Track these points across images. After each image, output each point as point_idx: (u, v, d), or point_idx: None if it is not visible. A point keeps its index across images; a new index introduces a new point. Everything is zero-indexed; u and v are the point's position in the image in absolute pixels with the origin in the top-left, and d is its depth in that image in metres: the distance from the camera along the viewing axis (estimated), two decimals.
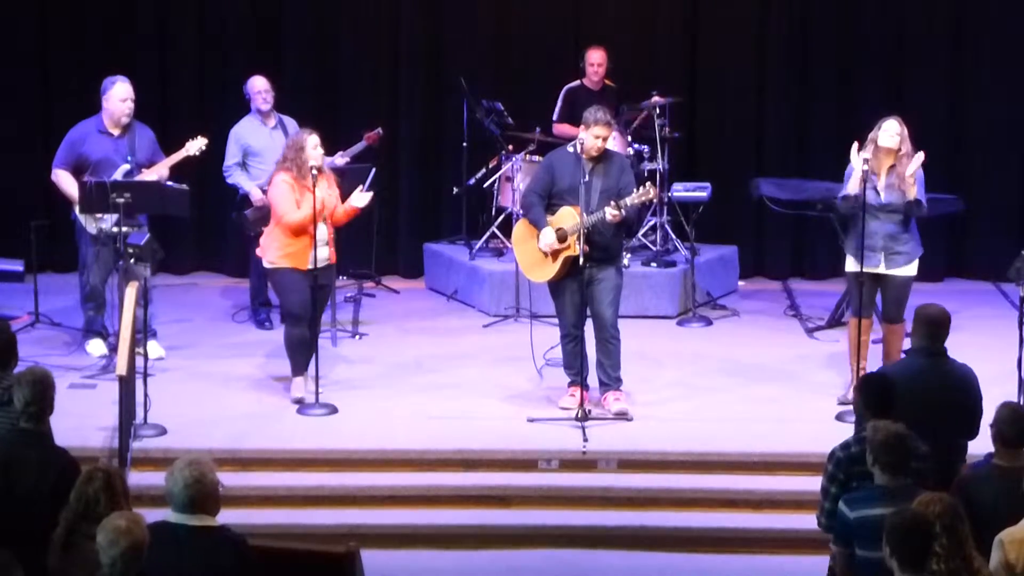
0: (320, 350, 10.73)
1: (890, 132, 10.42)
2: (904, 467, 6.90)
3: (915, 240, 10.61)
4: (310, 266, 10.50)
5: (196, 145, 11.54)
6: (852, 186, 10.39)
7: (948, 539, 6.21)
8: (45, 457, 7.19)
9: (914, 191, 10.36)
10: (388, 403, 10.74)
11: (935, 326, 8.12)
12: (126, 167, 11.28)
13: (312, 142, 10.53)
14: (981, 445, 7.69)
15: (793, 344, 12.28)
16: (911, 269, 10.59)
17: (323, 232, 10.54)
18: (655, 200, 11.55)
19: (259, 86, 12.19)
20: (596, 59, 13.51)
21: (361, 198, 10.69)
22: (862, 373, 10.50)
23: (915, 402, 7.76)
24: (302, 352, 10.69)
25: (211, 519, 6.50)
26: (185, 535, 6.44)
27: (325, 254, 10.57)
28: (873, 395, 7.47)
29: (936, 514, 6.25)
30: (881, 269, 10.50)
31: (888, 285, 10.57)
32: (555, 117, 13.62)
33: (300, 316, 10.63)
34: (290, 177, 10.53)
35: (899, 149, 10.42)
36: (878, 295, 10.83)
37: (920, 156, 10.39)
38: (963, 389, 8.08)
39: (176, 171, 11.54)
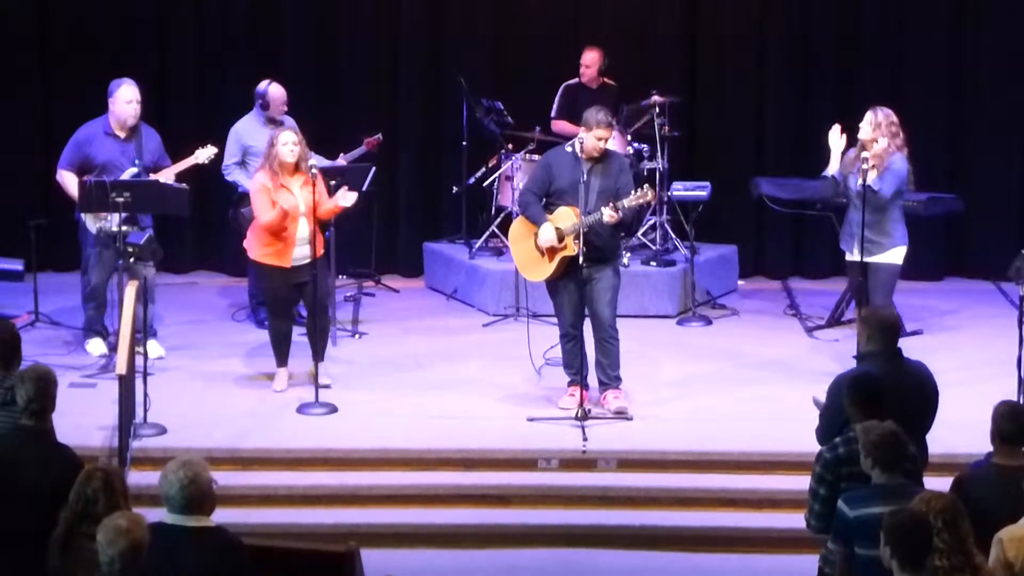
0: (311, 348, 10.76)
1: (863, 124, 10.76)
2: (900, 464, 6.89)
3: (897, 231, 10.71)
4: (297, 263, 10.59)
5: (206, 153, 11.56)
6: (831, 167, 10.77)
7: (949, 535, 6.21)
8: (47, 454, 7.19)
9: (872, 175, 10.49)
10: (388, 402, 10.74)
11: (890, 330, 8.13)
12: (133, 170, 11.28)
13: (283, 139, 10.57)
14: (982, 444, 7.67)
15: (793, 343, 12.29)
16: (892, 257, 10.72)
17: (303, 230, 10.55)
18: (654, 201, 11.53)
19: (283, 97, 12.07)
20: (586, 60, 13.56)
21: (347, 198, 10.70)
22: None
23: (887, 404, 7.76)
24: (282, 345, 10.88)
25: (207, 519, 6.50)
26: (181, 536, 6.43)
27: (304, 252, 10.58)
28: (862, 394, 7.47)
29: (937, 511, 6.25)
30: (856, 257, 10.62)
31: (872, 274, 10.75)
32: (553, 114, 13.63)
33: (277, 312, 10.87)
34: (265, 175, 10.60)
35: (874, 137, 10.58)
36: None
37: (882, 143, 10.53)
38: (924, 388, 8.09)
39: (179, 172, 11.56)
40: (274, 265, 10.67)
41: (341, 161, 12.58)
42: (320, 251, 10.78)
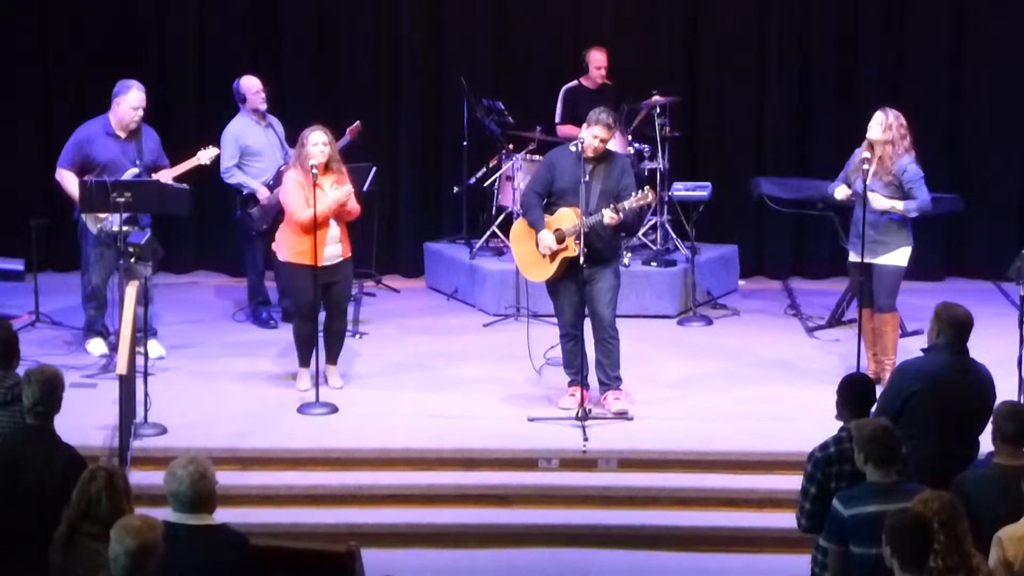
0: (321, 350, 10.76)
1: (873, 124, 10.68)
2: (893, 461, 6.91)
3: (903, 232, 10.70)
4: (327, 263, 10.57)
5: (208, 154, 11.57)
6: (839, 192, 10.79)
7: (946, 536, 6.21)
8: (51, 454, 7.19)
9: (890, 203, 10.49)
10: (388, 402, 10.75)
11: (960, 327, 8.14)
12: (134, 170, 11.28)
13: (313, 139, 10.57)
14: (982, 444, 7.69)
15: (793, 343, 12.29)
16: (897, 259, 10.70)
17: (332, 228, 10.57)
18: (655, 202, 11.53)
19: (256, 86, 12.19)
20: (600, 61, 13.53)
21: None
22: (873, 359, 10.62)
23: (943, 398, 7.83)
24: (306, 345, 10.86)
25: (210, 518, 6.51)
26: (186, 535, 6.44)
27: (335, 251, 10.61)
28: (852, 395, 7.50)
29: (934, 511, 6.26)
30: (864, 258, 10.60)
31: (874, 274, 10.73)
32: (558, 119, 13.63)
33: (304, 313, 10.82)
34: (299, 175, 10.60)
35: (884, 138, 10.56)
36: None
37: (892, 203, 10.59)
38: (986, 388, 8.11)
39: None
40: (305, 264, 10.63)
41: None
42: (350, 250, 10.78)
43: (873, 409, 8.02)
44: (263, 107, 12.16)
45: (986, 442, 7.39)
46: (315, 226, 10.44)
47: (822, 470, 7.28)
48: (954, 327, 8.12)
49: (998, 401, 7.47)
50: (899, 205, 10.58)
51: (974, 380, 8.10)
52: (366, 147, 13.01)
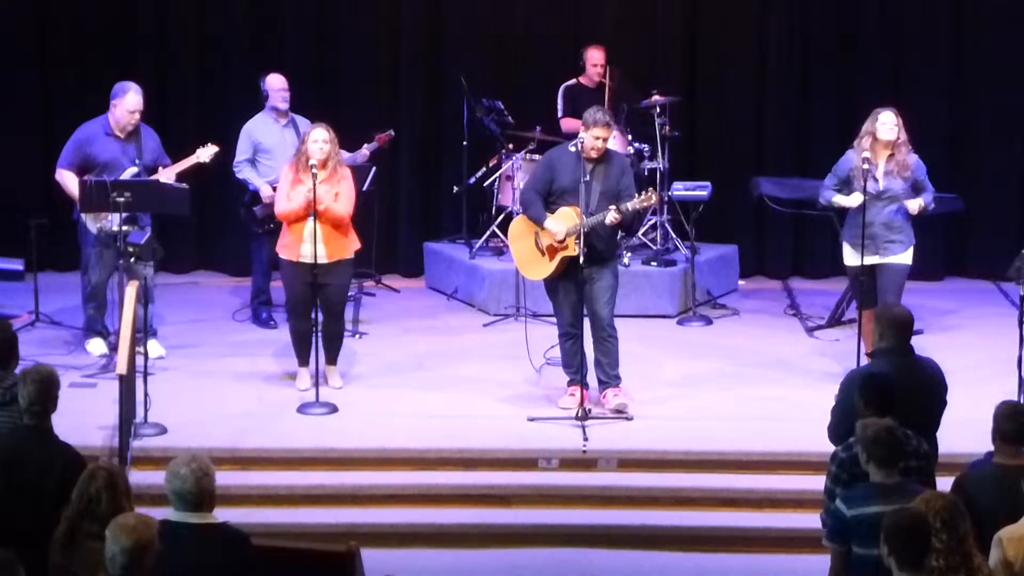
0: (322, 350, 10.75)
1: (888, 124, 10.66)
2: (896, 461, 6.89)
3: (909, 229, 10.71)
4: (303, 260, 10.57)
5: (207, 152, 11.56)
6: (851, 200, 10.68)
7: (948, 535, 6.21)
8: (49, 453, 7.19)
9: (918, 203, 10.48)
10: (388, 402, 10.74)
11: (902, 327, 8.13)
12: (134, 170, 11.28)
13: (313, 136, 10.58)
14: (983, 444, 7.67)
15: (793, 343, 12.29)
16: (906, 257, 10.70)
17: (317, 228, 10.54)
18: (656, 203, 11.52)
19: (278, 84, 12.18)
20: (599, 59, 13.54)
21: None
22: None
23: (898, 404, 7.77)
24: (300, 344, 10.90)
25: (212, 516, 6.51)
26: (187, 533, 6.44)
27: (320, 251, 10.57)
28: (874, 392, 7.47)
29: (936, 511, 6.25)
30: (876, 258, 10.58)
31: (884, 274, 10.70)
32: (560, 114, 13.62)
33: (293, 308, 10.90)
34: (290, 168, 10.63)
35: (897, 138, 10.58)
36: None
37: (919, 203, 10.67)
38: (936, 385, 8.10)
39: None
40: (287, 259, 10.69)
41: (364, 151, 12.69)
42: (344, 253, 10.75)
43: (828, 425, 8.00)
44: (283, 106, 12.15)
45: (986, 442, 7.36)
46: (314, 220, 10.47)
47: (847, 470, 7.22)
48: (895, 329, 8.11)
49: (999, 402, 7.44)
50: (923, 201, 10.60)
51: (924, 380, 8.07)
52: (377, 148, 12.99)
